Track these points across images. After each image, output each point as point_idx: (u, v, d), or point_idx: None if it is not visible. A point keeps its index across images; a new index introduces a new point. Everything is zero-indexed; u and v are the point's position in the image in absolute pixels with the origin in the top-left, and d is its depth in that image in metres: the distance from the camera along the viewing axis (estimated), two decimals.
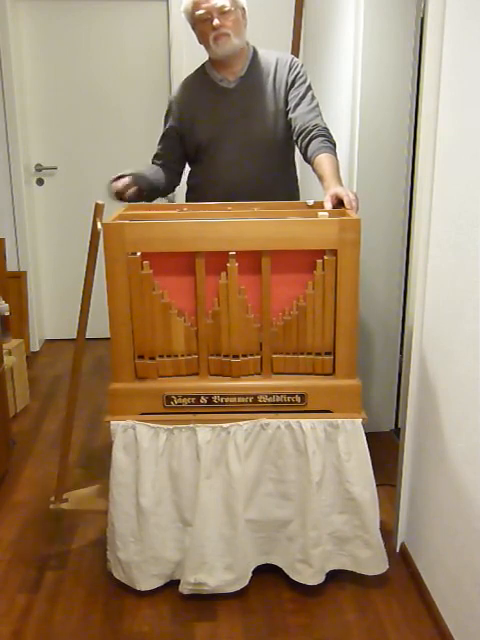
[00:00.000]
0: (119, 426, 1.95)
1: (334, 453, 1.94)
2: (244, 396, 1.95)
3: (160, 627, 1.93)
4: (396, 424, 3.01)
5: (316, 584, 2.00)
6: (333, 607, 2.00)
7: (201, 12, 2.19)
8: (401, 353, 2.83)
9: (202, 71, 2.40)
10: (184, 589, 1.99)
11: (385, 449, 2.67)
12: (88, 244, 2.12)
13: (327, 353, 1.94)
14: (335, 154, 2.22)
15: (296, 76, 2.34)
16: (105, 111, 4.11)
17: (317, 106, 2.33)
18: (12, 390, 3.22)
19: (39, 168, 4.17)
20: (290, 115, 2.32)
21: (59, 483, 2.43)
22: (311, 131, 2.24)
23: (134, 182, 2.24)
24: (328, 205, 2.00)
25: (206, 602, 2.00)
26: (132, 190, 2.23)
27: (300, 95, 2.31)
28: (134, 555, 1.99)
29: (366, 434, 1.95)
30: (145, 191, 2.29)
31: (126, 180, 2.22)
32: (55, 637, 1.91)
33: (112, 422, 1.95)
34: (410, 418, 2.11)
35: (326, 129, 2.27)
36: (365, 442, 1.95)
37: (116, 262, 1.86)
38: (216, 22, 2.19)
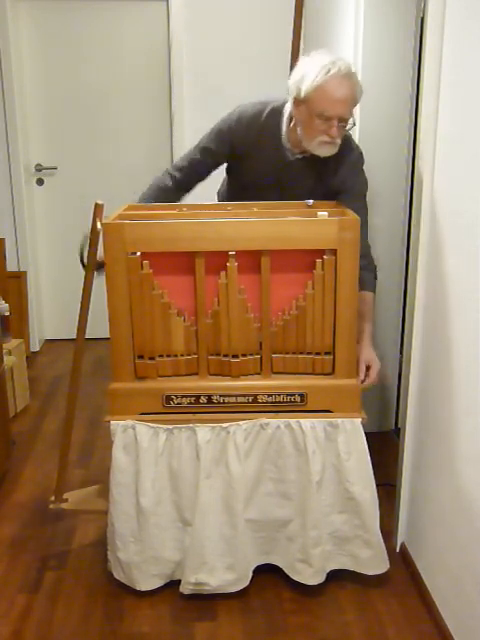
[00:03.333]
0: (119, 426, 1.95)
1: (334, 453, 1.94)
2: (244, 396, 1.95)
3: (160, 627, 1.93)
4: (396, 424, 3.01)
5: (316, 584, 2.00)
6: (333, 607, 2.00)
7: (326, 114, 1.96)
8: (401, 353, 2.83)
9: (276, 122, 2.15)
10: (185, 589, 1.99)
11: (385, 449, 2.67)
12: (88, 244, 2.12)
13: (327, 353, 1.94)
14: (374, 289, 2.17)
15: (353, 183, 2.18)
16: (105, 111, 4.11)
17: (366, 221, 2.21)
18: (12, 390, 3.22)
19: (39, 168, 4.17)
20: None
21: (59, 483, 2.43)
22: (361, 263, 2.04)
23: None
24: (361, 373, 2.03)
25: (206, 602, 2.00)
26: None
27: (360, 209, 2.12)
28: (134, 555, 1.99)
29: (366, 434, 1.95)
30: None
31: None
32: (55, 637, 1.91)
33: (112, 422, 1.95)
34: (410, 418, 2.11)
35: (370, 256, 2.18)
36: (365, 442, 1.95)
37: (116, 262, 1.86)
38: (335, 131, 1.99)
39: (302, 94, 1.98)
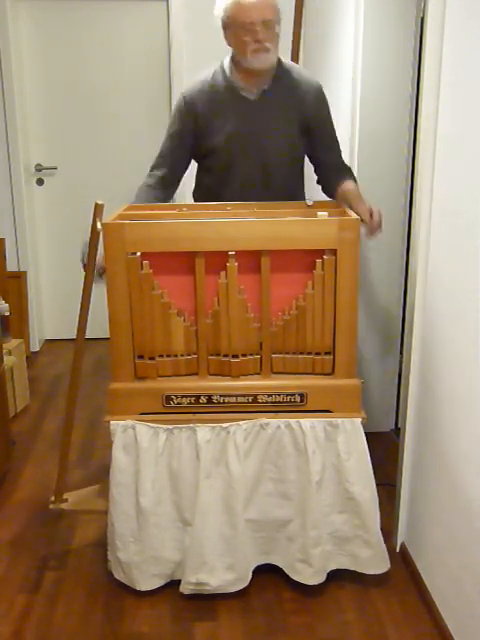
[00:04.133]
0: (119, 426, 1.95)
1: (334, 453, 1.94)
2: (244, 396, 1.95)
3: (160, 627, 1.93)
4: (396, 424, 3.01)
5: (316, 584, 2.00)
6: (333, 607, 2.00)
7: (247, 21, 2.06)
8: (401, 353, 2.83)
9: (222, 73, 2.25)
10: (185, 589, 1.99)
11: (385, 449, 2.67)
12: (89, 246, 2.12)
13: (327, 353, 1.94)
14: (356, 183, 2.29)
15: (327, 113, 2.30)
16: (105, 111, 4.11)
17: (339, 149, 2.35)
18: (12, 390, 3.22)
19: (39, 168, 4.17)
20: (319, 155, 2.31)
21: (59, 483, 2.43)
22: (341, 172, 2.28)
23: None
24: (365, 214, 2.06)
25: (206, 602, 2.00)
26: None
27: (331, 137, 2.31)
28: (134, 555, 1.99)
29: (366, 434, 1.95)
30: None
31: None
32: (55, 637, 1.91)
33: (112, 422, 1.95)
34: (410, 418, 2.11)
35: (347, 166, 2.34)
36: (365, 442, 1.95)
37: (116, 262, 1.86)
38: (260, 35, 2.07)
39: (224, 17, 2.13)
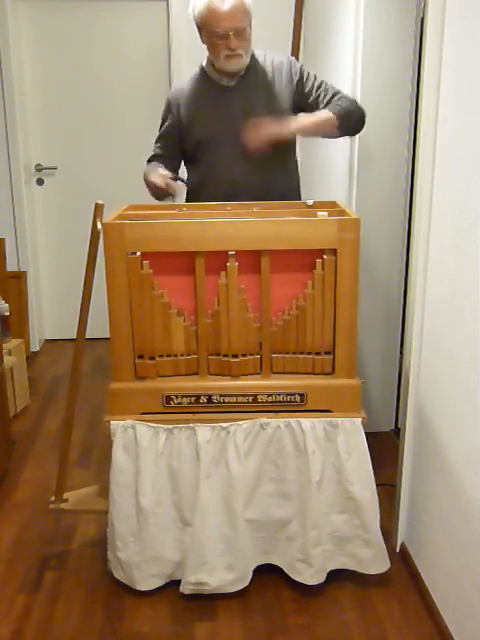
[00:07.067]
0: (119, 426, 1.95)
1: (334, 453, 1.94)
2: (244, 396, 1.95)
3: (160, 627, 1.93)
4: (396, 424, 3.01)
5: (316, 584, 2.00)
6: (333, 607, 2.00)
7: (219, 31, 2.17)
8: (401, 353, 2.83)
9: (201, 70, 2.42)
10: (185, 589, 1.99)
11: (385, 449, 2.67)
12: (88, 244, 2.12)
13: (327, 352, 1.94)
14: (341, 115, 2.29)
15: (302, 75, 2.37)
16: (105, 111, 4.11)
17: (333, 87, 2.38)
18: (12, 390, 3.22)
19: (39, 168, 4.17)
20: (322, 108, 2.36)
21: (59, 483, 2.43)
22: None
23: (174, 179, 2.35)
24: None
25: (206, 602, 2.00)
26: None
27: (320, 87, 2.36)
28: (134, 555, 1.99)
29: (366, 434, 1.95)
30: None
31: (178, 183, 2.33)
32: (55, 637, 1.91)
33: (112, 422, 1.95)
34: (410, 418, 2.11)
35: (354, 102, 2.37)
36: (365, 441, 1.95)
37: (116, 262, 1.86)
38: (233, 44, 2.19)
39: (197, 21, 2.22)
